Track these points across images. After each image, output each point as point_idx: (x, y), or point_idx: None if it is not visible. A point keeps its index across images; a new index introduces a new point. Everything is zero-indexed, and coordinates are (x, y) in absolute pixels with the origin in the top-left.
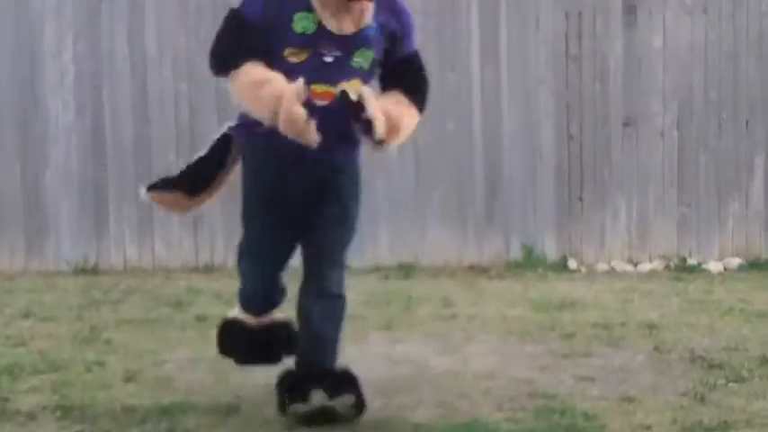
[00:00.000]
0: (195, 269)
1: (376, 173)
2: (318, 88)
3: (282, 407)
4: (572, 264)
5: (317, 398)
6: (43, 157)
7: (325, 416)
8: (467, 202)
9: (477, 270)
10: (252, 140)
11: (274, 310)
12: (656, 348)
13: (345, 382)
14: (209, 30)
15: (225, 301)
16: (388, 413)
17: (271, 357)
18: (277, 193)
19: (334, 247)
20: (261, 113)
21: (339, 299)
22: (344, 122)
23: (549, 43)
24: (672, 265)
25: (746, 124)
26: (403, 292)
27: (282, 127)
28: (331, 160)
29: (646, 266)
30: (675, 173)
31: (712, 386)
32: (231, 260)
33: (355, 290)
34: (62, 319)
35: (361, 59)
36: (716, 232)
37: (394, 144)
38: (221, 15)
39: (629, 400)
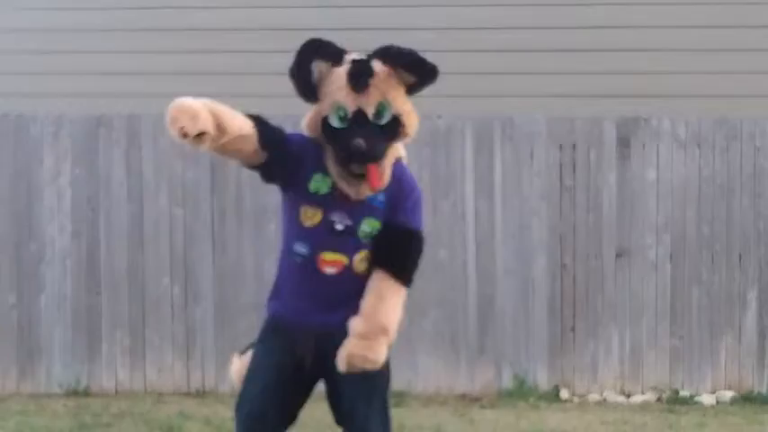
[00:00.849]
0: (187, 394)
1: None
2: (328, 256)
3: None
4: (564, 394)
5: None
6: (37, 280)
7: None
8: (459, 330)
9: (469, 399)
10: (268, 311)
11: None
12: None
13: None
14: (206, 155)
15: (216, 426)
16: None
17: None
18: (285, 356)
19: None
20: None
21: None
22: (352, 293)
23: (542, 174)
24: (664, 397)
25: (740, 259)
26: (395, 420)
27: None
28: (339, 331)
29: (638, 398)
30: (668, 305)
31: None
32: (222, 386)
33: None
34: None
35: (368, 229)
36: (708, 365)
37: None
38: None
39: None
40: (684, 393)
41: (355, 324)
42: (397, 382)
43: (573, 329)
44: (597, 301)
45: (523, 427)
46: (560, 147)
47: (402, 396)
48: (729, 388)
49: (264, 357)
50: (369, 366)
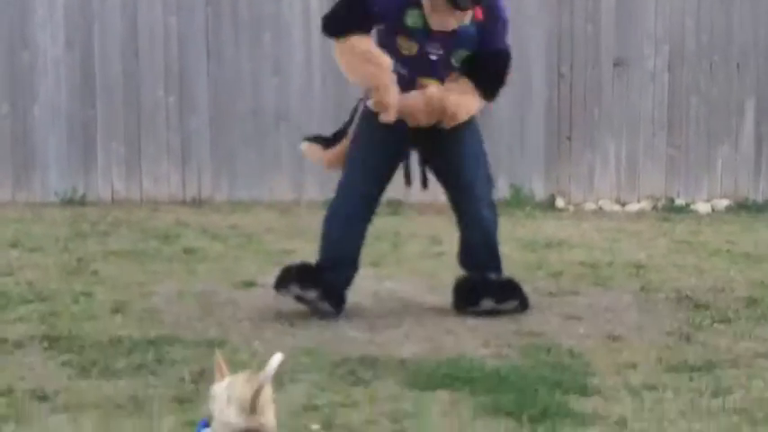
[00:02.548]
0: (182, 203)
1: None
2: (425, 81)
3: (459, 308)
4: (560, 203)
5: (487, 304)
6: (31, 90)
7: (492, 315)
8: None
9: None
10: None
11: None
12: (643, 288)
13: (510, 288)
14: None
15: (212, 234)
16: (374, 348)
17: None
18: (384, 144)
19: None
20: (358, 81)
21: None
22: None
23: None
24: (659, 205)
25: (738, 68)
26: (391, 229)
27: (373, 104)
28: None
29: (634, 207)
30: (665, 115)
31: (698, 326)
32: (218, 195)
33: None
34: (50, 250)
35: (460, 57)
36: (705, 174)
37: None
38: None
39: (615, 338)
40: (680, 202)
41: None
42: (392, 191)
43: (569, 138)
44: (594, 110)
45: (520, 234)
46: None
47: (398, 204)
48: (725, 196)
49: (366, 150)
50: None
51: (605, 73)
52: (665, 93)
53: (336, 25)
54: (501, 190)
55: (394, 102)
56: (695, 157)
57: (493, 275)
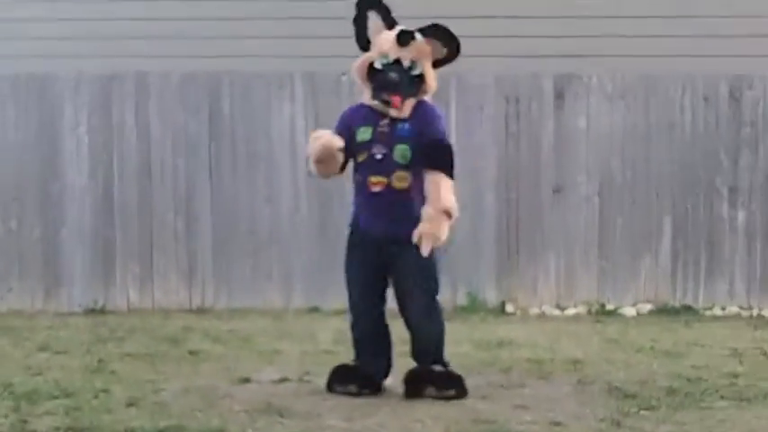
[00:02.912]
0: (189, 311)
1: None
2: (374, 179)
3: (408, 395)
4: (509, 308)
5: (430, 392)
6: (60, 215)
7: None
8: None
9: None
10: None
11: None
12: (580, 381)
13: (451, 378)
14: (204, 108)
15: (213, 338)
16: None
17: None
18: (363, 260)
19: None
20: (314, 157)
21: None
22: (395, 206)
23: (491, 123)
24: (593, 310)
25: (656, 194)
26: None
27: (317, 147)
28: (393, 236)
29: (571, 311)
30: (596, 234)
31: (626, 413)
32: (219, 304)
33: (326, 330)
34: (74, 353)
35: (400, 153)
36: (630, 283)
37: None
38: (214, 97)
39: (557, 424)
40: (610, 307)
41: (424, 210)
42: None
43: (517, 254)
44: (537, 229)
45: (476, 336)
46: (506, 99)
47: None
48: (647, 302)
49: (352, 269)
50: (434, 243)
51: (546, 198)
52: (596, 215)
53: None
54: (459, 298)
55: (327, 139)
56: (622, 268)
57: (437, 368)
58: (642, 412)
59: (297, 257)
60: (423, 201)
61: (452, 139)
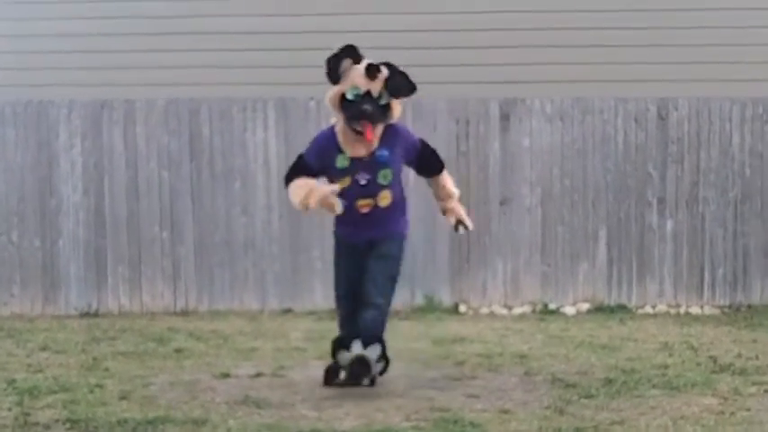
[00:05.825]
0: (174, 313)
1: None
2: (361, 201)
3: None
4: (462, 308)
5: (356, 347)
6: (57, 228)
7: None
8: None
9: (390, 314)
10: (335, 233)
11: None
12: (526, 373)
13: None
14: (186, 130)
15: (196, 337)
16: (321, 424)
17: None
18: (348, 261)
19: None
20: (298, 201)
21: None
22: (379, 220)
23: (443, 143)
24: (537, 309)
25: (593, 205)
26: (333, 331)
27: (316, 201)
28: (371, 240)
29: (518, 310)
30: (539, 240)
31: (568, 401)
32: (201, 307)
33: (298, 329)
34: (71, 352)
35: (383, 176)
36: (570, 285)
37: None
38: (195, 120)
39: (506, 412)
40: (552, 306)
41: (448, 204)
42: (333, 302)
43: (468, 260)
44: (486, 237)
45: (432, 333)
46: (457, 121)
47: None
48: (586, 301)
49: (338, 266)
50: (465, 220)
51: (493, 209)
52: (539, 224)
53: (287, 178)
54: (416, 299)
55: (321, 193)
56: (562, 271)
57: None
58: (582, 400)
59: (270, 264)
60: (402, 209)
61: None
